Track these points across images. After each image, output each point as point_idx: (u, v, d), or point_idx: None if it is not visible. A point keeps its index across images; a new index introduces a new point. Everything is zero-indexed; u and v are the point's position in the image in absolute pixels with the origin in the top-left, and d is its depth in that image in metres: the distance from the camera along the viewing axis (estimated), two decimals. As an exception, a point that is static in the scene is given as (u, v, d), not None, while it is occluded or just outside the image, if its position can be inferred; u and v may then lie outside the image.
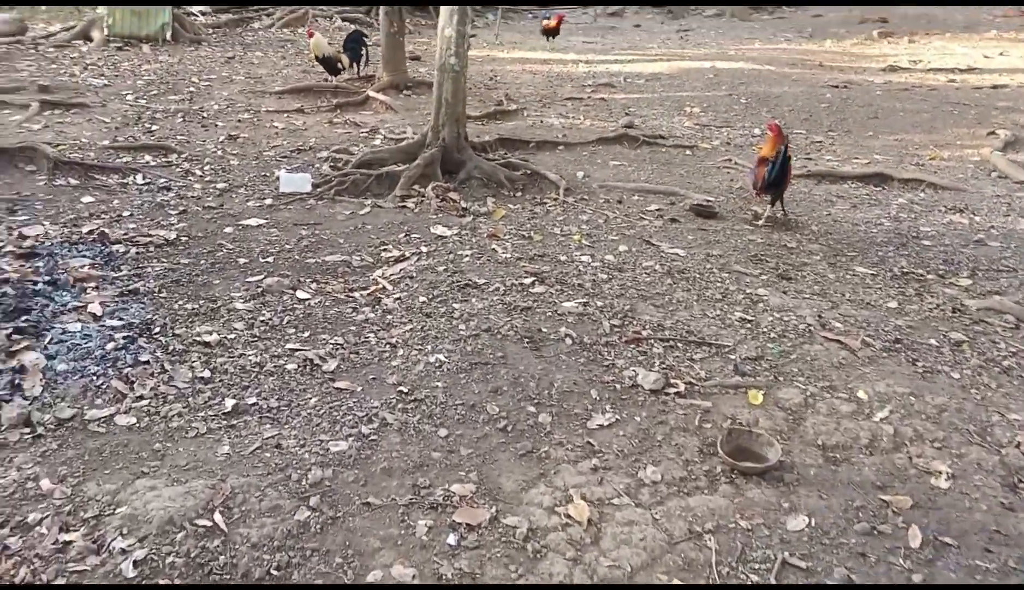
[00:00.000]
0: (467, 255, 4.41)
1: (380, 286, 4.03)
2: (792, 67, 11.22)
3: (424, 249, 4.50)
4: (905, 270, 4.51)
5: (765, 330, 3.67)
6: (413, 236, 4.72)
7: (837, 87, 9.61)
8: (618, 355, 3.40)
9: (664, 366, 3.32)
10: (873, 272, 4.46)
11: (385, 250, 4.49)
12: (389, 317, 3.69)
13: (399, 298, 3.88)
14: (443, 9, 5.86)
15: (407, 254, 4.43)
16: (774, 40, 14.65)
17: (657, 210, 5.44)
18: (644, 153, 7.04)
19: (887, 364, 3.41)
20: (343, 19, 16.10)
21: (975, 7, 16.56)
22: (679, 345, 3.51)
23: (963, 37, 14.07)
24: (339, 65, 9.48)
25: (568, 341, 3.48)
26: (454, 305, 3.78)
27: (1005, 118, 8.07)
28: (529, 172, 6.05)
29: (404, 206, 5.32)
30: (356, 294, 3.94)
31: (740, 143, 7.42)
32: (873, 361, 3.43)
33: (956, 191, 6.01)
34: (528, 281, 4.07)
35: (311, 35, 9.67)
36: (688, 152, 7.10)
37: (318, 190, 5.56)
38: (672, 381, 3.19)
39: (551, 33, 13.87)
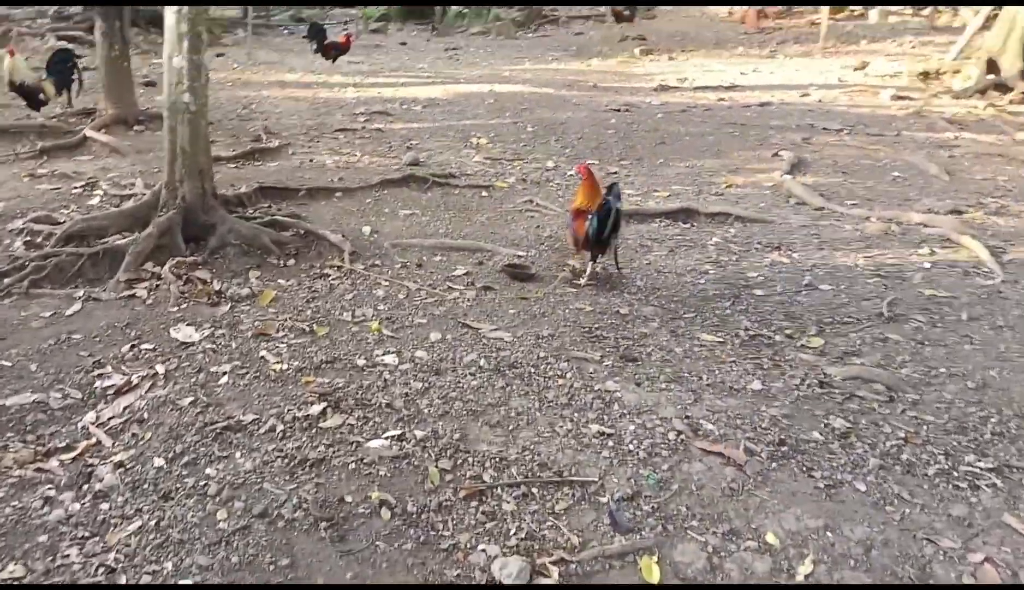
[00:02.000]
0: (224, 372, 3.24)
1: (93, 442, 2.75)
2: (569, 89, 10.91)
3: (161, 368, 3.26)
4: (751, 332, 3.98)
5: (631, 448, 2.89)
6: (144, 346, 3.44)
7: (619, 110, 9.36)
8: (458, 524, 2.44)
9: (523, 535, 2.41)
10: (719, 339, 3.88)
11: (102, 376, 3.19)
12: (105, 507, 2.44)
13: (122, 464, 2.64)
14: (167, 29, 4.55)
15: (135, 380, 3.16)
16: (543, 59, 14.47)
17: (466, 274, 4.55)
18: (437, 197, 6.15)
19: (783, 481, 2.76)
20: (58, 37, 13.69)
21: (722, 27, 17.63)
22: (534, 491, 2.62)
23: (716, 54, 14.74)
24: (41, 96, 7.61)
25: (385, 513, 2.46)
26: (208, 470, 2.61)
27: (782, 138, 8.16)
28: (303, 232, 4.92)
29: (132, 296, 4.00)
30: (53, 463, 2.64)
31: (536, 179, 6.76)
32: (766, 478, 2.76)
33: (764, 223, 5.73)
34: (316, 409, 2.99)
35: (12, 54, 7.67)
36: (485, 193, 6.31)
37: (4, 282, 4.05)
38: (540, 565, 2.29)
39: (336, 52, 12.49)
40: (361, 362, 3.41)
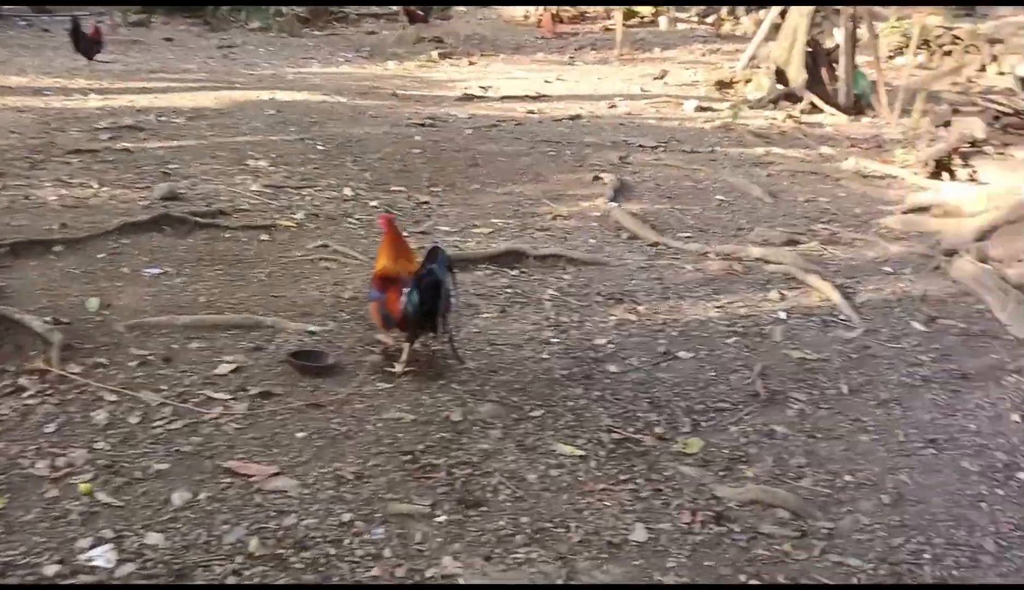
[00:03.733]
0: None
1: None
2: (365, 98, 9.72)
3: None
4: (616, 435, 3.13)
5: None
6: None
7: (423, 125, 8.33)
8: None
9: None
10: (580, 451, 2.99)
11: None
12: None
13: None
14: None
15: None
16: (333, 61, 13.12)
17: (234, 372, 3.33)
18: (199, 245, 4.79)
19: None
20: None
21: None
22: None
23: (517, 59, 14.14)
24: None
25: None
26: None
27: (600, 157, 7.55)
28: (-12, 319, 3.44)
29: None
30: None
31: (332, 213, 5.58)
32: None
33: (600, 266, 4.97)
34: None
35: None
36: (265, 237, 5.03)
37: None
38: None
39: (97, 48, 10.35)
40: (52, 570, 2.14)
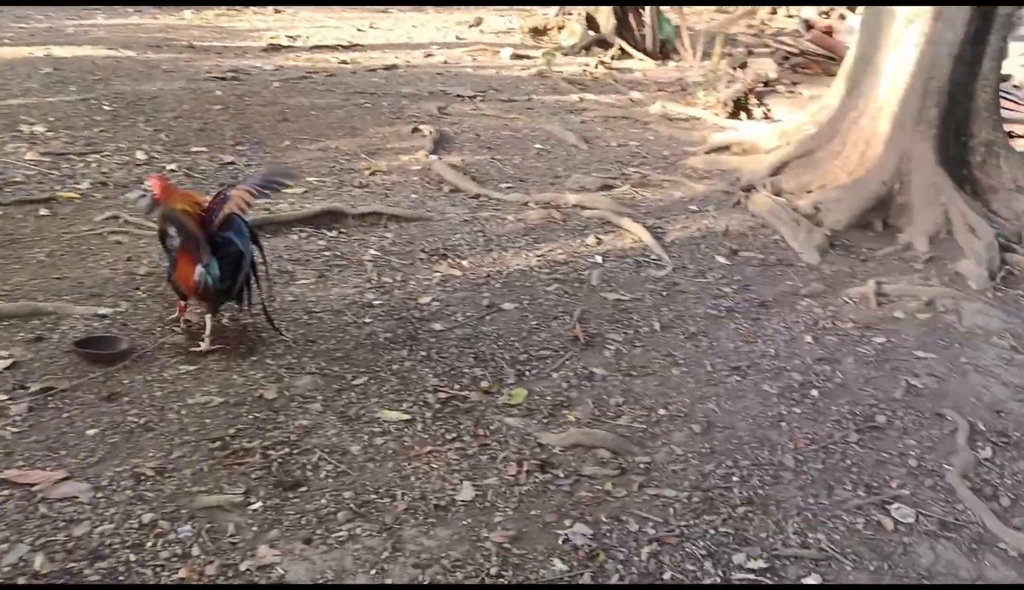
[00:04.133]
0: None
1: None
2: (158, 51, 8.89)
3: None
4: (442, 394, 3.08)
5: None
6: None
7: (225, 79, 7.74)
8: None
9: None
10: (406, 416, 2.92)
11: None
12: None
13: None
14: None
15: None
16: (120, 12, 11.88)
17: (11, 368, 2.95)
18: (-39, 226, 4.21)
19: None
20: None
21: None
22: None
23: (327, 6, 13.48)
24: None
25: None
26: None
27: (418, 108, 7.36)
28: None
29: None
30: None
31: (123, 181, 5.07)
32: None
33: (422, 222, 4.87)
34: None
35: None
36: (44, 211, 4.49)
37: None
38: None
39: None
40: None
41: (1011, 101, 7.78)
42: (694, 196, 5.63)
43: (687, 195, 5.65)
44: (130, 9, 12.16)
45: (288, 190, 5.17)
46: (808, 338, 3.77)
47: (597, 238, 4.80)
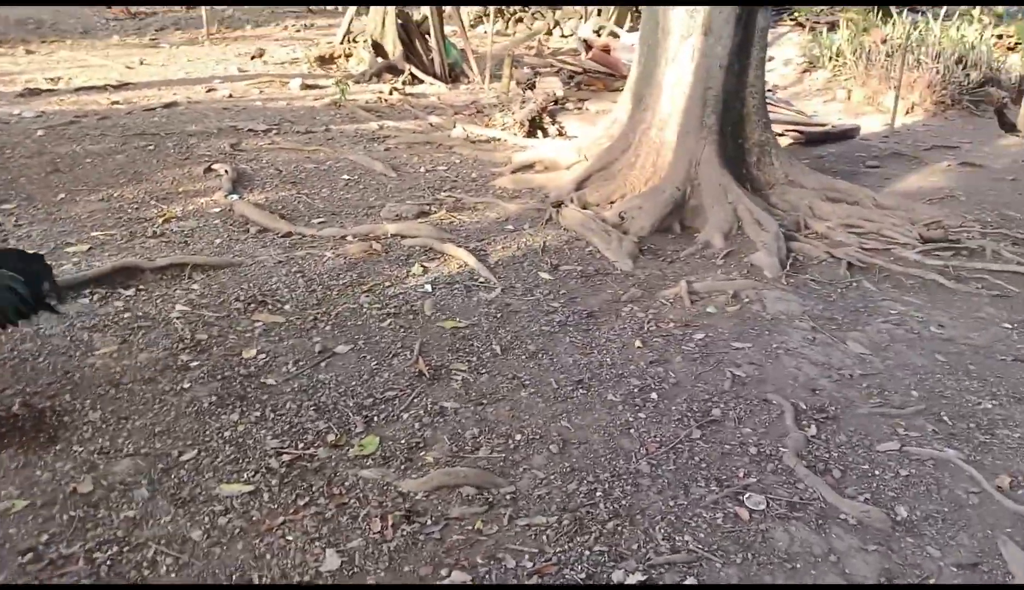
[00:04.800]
0: None
1: None
2: None
3: None
4: (285, 454, 2.84)
5: None
6: None
7: (-25, 129, 6.83)
8: None
9: None
10: (249, 487, 2.65)
11: None
12: None
13: None
14: None
15: None
16: None
17: None
18: None
19: None
20: None
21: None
22: None
23: (88, 45, 12.32)
24: None
25: None
26: None
27: (208, 146, 6.88)
28: None
29: None
30: None
31: None
32: None
33: (231, 269, 4.53)
34: None
35: None
36: None
37: None
38: None
39: None
40: None
41: (772, 104, 8.65)
42: (508, 216, 5.71)
43: (502, 215, 5.72)
44: None
45: (71, 248, 4.65)
46: (638, 343, 3.91)
47: (423, 266, 4.72)
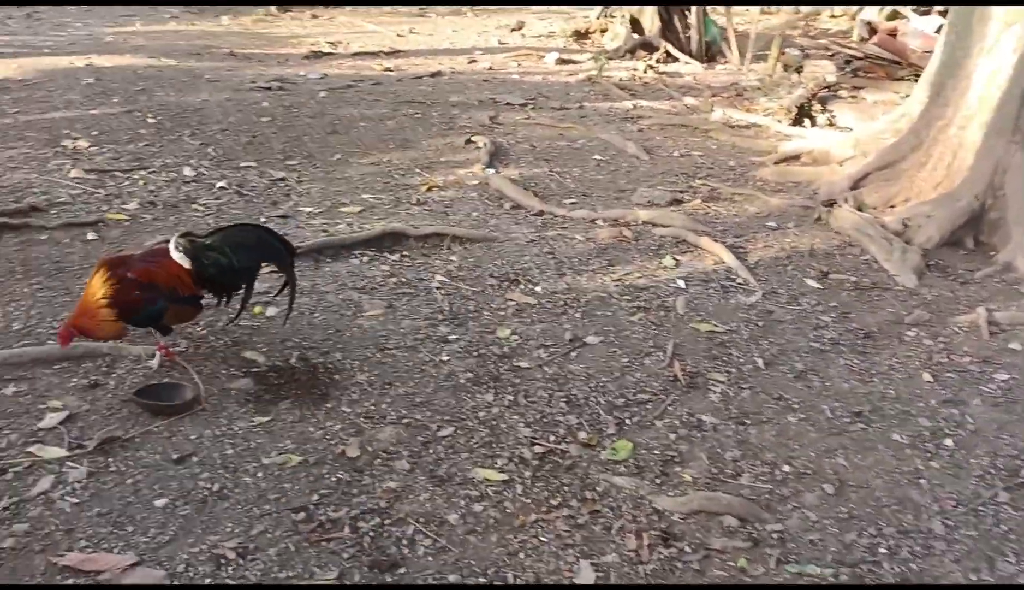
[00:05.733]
0: None
1: None
2: (200, 59, 8.70)
3: None
4: (537, 445, 2.77)
5: None
6: None
7: (271, 89, 7.51)
8: None
9: None
10: (501, 475, 2.60)
11: None
12: None
13: None
14: None
15: None
16: (158, 18, 11.75)
17: (66, 421, 2.68)
18: (9, 252, 3.97)
19: None
20: None
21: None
22: None
23: (364, 11, 13.24)
24: None
25: None
26: None
27: (469, 118, 7.08)
28: None
29: None
30: None
31: (172, 200, 4.83)
32: None
33: (487, 243, 4.57)
34: None
35: None
36: (92, 236, 4.24)
37: None
38: None
39: None
40: None
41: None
42: (770, 211, 5.28)
43: (763, 210, 5.30)
44: (166, 14, 12.02)
45: (344, 208, 4.93)
46: (927, 376, 3.41)
47: (675, 259, 4.47)
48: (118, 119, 6.30)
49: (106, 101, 6.77)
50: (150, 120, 6.34)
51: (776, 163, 6.30)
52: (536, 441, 2.81)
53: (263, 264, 3.27)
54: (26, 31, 10.06)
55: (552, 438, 2.84)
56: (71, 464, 2.46)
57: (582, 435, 2.86)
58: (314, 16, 12.68)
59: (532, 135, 6.75)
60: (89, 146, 5.65)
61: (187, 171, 5.33)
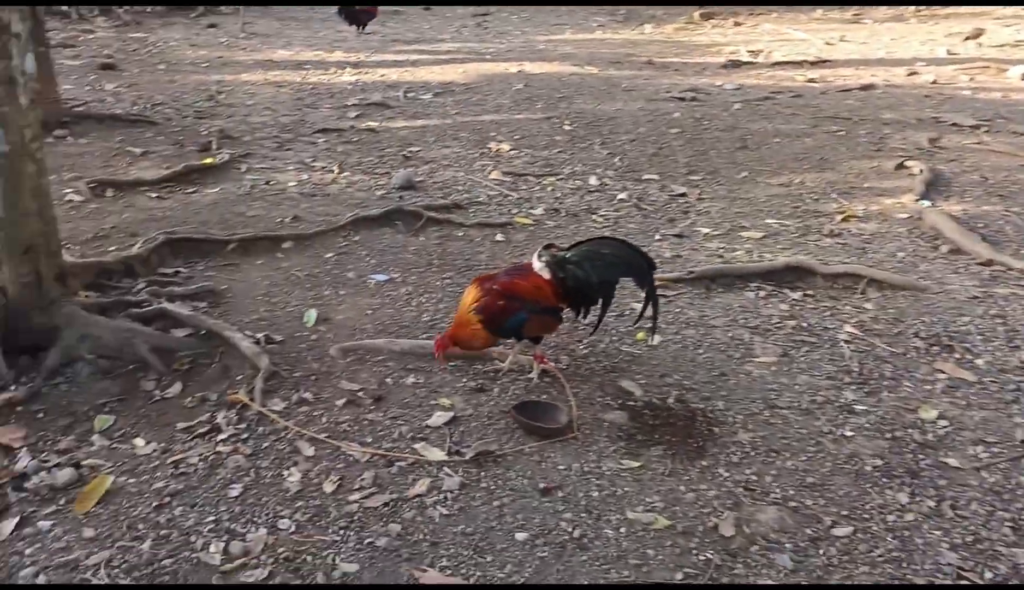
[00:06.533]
0: None
1: None
2: (619, 68, 8.91)
3: None
4: (965, 581, 2.13)
5: None
6: None
7: (683, 99, 7.36)
8: None
9: None
10: (914, 609, 2.05)
11: None
12: None
13: None
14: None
15: None
16: (586, 26, 12.41)
17: (448, 425, 2.75)
18: (430, 244, 4.34)
19: None
20: None
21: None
22: None
23: (792, 17, 12.52)
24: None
25: None
26: None
27: (903, 139, 6.14)
28: (204, 332, 3.18)
29: None
30: None
31: (574, 209, 4.89)
32: None
33: (914, 293, 3.81)
34: None
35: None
36: (500, 237, 4.46)
37: None
38: None
39: (367, 19, 10.58)
40: None
41: None
42: None
43: None
44: (594, 23, 12.64)
45: (744, 233, 4.54)
46: None
47: None
48: (538, 125, 6.66)
49: (530, 107, 7.23)
50: (566, 127, 6.60)
51: None
52: (964, 573, 2.16)
53: (622, 278, 3.10)
54: (474, 38, 11.31)
55: (989, 575, 2.16)
56: (447, 471, 2.50)
57: (1034, 584, 2.14)
58: (737, 24, 12.30)
59: (983, 164, 5.61)
60: (510, 149, 6.03)
61: (592, 180, 5.39)
